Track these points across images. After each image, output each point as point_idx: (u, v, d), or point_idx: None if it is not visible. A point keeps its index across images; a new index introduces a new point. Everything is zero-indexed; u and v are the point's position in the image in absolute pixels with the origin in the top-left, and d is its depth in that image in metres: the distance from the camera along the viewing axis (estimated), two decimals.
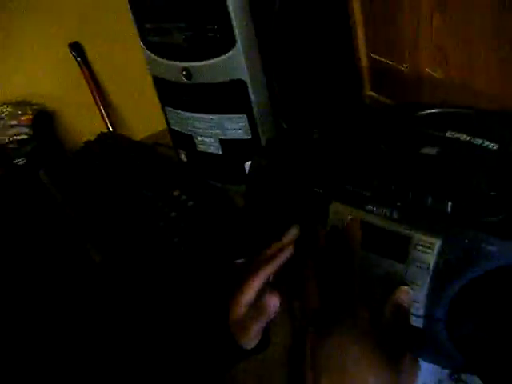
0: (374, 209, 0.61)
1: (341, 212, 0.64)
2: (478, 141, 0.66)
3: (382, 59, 0.95)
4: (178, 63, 0.95)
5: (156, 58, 0.98)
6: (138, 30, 0.98)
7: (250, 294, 0.61)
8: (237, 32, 0.88)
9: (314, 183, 0.67)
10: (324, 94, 0.97)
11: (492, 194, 0.57)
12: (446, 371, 0.67)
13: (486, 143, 0.65)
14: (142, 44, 1.00)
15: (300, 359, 0.55)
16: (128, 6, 0.97)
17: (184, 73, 0.94)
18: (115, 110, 1.73)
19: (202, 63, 0.92)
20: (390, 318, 0.57)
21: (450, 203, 0.57)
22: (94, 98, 1.63)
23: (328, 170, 0.69)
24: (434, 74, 0.87)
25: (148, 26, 0.96)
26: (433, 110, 0.76)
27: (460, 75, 0.83)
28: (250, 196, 0.77)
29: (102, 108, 1.63)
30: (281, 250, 0.65)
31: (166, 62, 0.97)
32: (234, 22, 0.87)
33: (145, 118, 1.43)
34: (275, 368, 0.61)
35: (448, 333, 0.60)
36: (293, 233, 0.66)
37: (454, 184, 0.60)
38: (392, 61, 0.94)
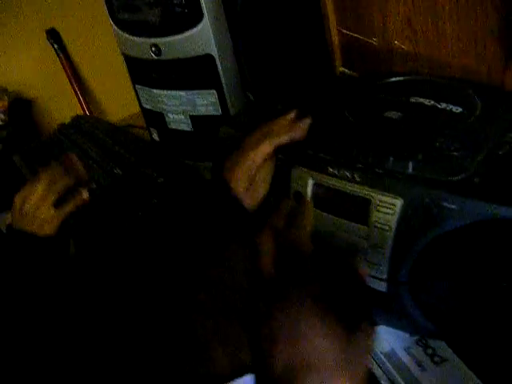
0: (336, 172, 0.61)
1: (303, 177, 0.63)
2: (442, 105, 0.66)
3: (352, 34, 0.95)
4: (147, 39, 0.94)
5: (126, 35, 0.98)
6: (107, 8, 0.98)
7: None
8: (204, 6, 0.87)
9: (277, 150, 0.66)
10: (293, 68, 0.96)
11: (454, 154, 0.57)
12: (414, 338, 0.66)
13: (450, 107, 0.65)
14: (111, 21, 0.98)
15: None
16: None
17: (153, 49, 0.94)
18: (92, 95, 1.73)
19: (171, 38, 0.92)
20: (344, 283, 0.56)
21: (411, 163, 0.57)
22: (71, 84, 1.62)
23: None
24: (402, 46, 0.87)
25: (117, 3, 0.95)
26: (397, 78, 0.75)
27: (427, 47, 0.83)
28: (217, 164, 0.77)
29: (79, 94, 1.62)
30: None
31: (135, 38, 0.97)
32: None
33: (120, 102, 1.42)
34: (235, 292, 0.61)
35: (411, 296, 0.59)
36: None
37: (415, 145, 0.59)
38: (362, 35, 0.93)
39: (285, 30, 0.97)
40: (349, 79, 0.91)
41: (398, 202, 0.57)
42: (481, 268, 0.55)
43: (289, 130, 0.66)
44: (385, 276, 0.60)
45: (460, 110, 0.64)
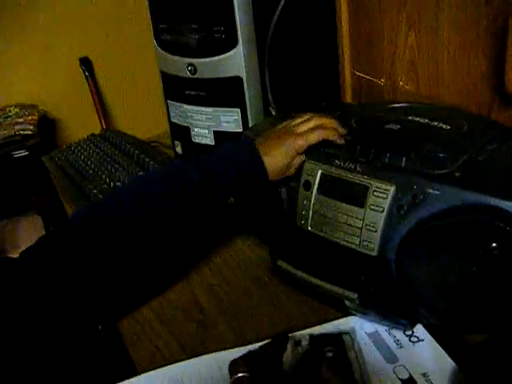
0: (341, 164, 0.73)
1: (313, 168, 0.75)
2: (435, 123, 0.78)
3: (363, 75, 1.09)
4: (185, 59, 1.08)
5: (166, 54, 1.11)
6: (154, 30, 1.12)
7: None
8: (240, 33, 1.01)
9: None
10: (310, 91, 1.10)
11: (440, 155, 0.69)
12: None
13: (441, 125, 0.78)
14: (155, 42, 1.12)
15: None
16: (147, 12, 1.13)
17: (189, 68, 1.07)
18: (115, 121, 1.85)
19: (206, 60, 1.05)
20: None
21: (404, 158, 0.69)
22: (96, 108, 1.75)
23: None
24: (406, 87, 1.00)
25: (163, 26, 1.09)
26: (399, 104, 0.88)
27: (427, 87, 0.96)
28: None
29: (101, 117, 1.74)
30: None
31: (175, 58, 1.10)
32: (238, 25, 1.00)
33: (142, 125, 1.55)
34: None
35: (397, 273, 0.70)
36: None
37: (409, 146, 0.72)
38: (372, 76, 1.07)
39: (306, 60, 1.11)
40: (357, 104, 1.03)
41: (391, 188, 0.68)
42: (457, 252, 0.64)
43: (336, 130, 0.77)
44: (375, 253, 0.70)
45: (449, 127, 0.77)
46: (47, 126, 1.83)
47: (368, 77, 1.07)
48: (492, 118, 0.85)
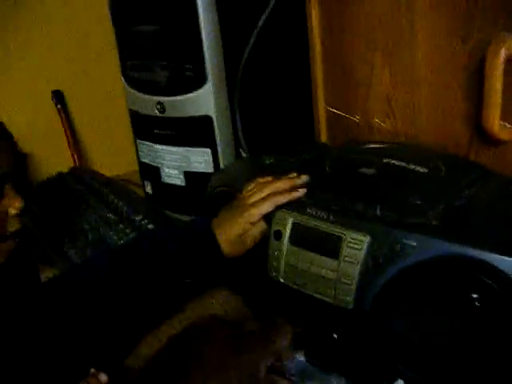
0: (314, 212, 0.69)
1: (284, 217, 0.71)
2: (411, 166, 0.75)
3: (338, 111, 1.06)
4: (154, 97, 1.04)
5: (135, 92, 1.08)
6: (121, 66, 1.08)
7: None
8: (209, 71, 0.97)
9: None
10: (282, 131, 1.06)
11: (417, 202, 0.65)
12: None
13: (418, 168, 0.74)
14: (123, 79, 1.09)
15: None
16: (116, 49, 1.09)
17: (158, 106, 1.04)
18: (87, 154, 1.81)
19: (175, 98, 1.02)
20: None
21: (379, 206, 0.65)
22: (69, 142, 1.71)
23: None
24: (383, 124, 0.97)
25: (131, 62, 1.06)
26: (374, 145, 0.85)
27: (404, 124, 0.93)
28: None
29: (74, 152, 1.70)
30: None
31: (143, 96, 1.07)
32: (207, 63, 0.98)
33: (114, 161, 1.51)
34: None
35: (374, 327, 0.66)
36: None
37: (384, 193, 0.68)
38: (346, 113, 1.04)
39: (278, 98, 1.07)
40: (331, 145, 1.00)
41: (366, 239, 0.64)
42: (436, 305, 0.61)
43: (292, 191, 0.74)
44: (351, 307, 0.66)
45: (426, 170, 0.73)
46: (17, 159, 1.77)
47: (343, 113, 1.04)
48: (471, 158, 0.82)
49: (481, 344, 0.59)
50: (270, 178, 0.79)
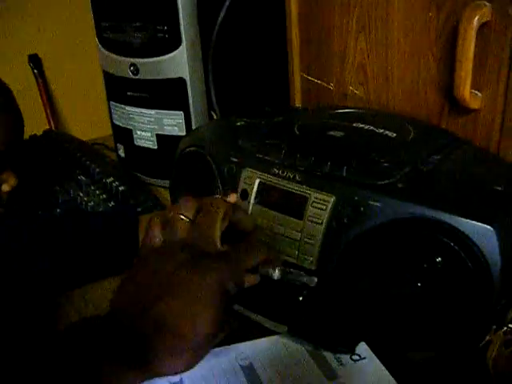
0: (280, 172, 0.69)
1: (250, 176, 0.71)
2: (380, 130, 0.75)
3: (313, 79, 1.05)
4: (127, 59, 1.03)
5: (109, 53, 1.06)
6: (96, 28, 1.07)
7: None
8: (183, 33, 0.96)
9: (231, 154, 0.74)
10: (255, 94, 1.05)
11: (384, 164, 0.65)
12: None
13: (386, 132, 0.74)
14: (97, 41, 1.07)
15: None
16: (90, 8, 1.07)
17: (132, 68, 1.02)
18: (64, 121, 1.79)
19: (149, 60, 1.00)
20: None
21: (345, 167, 0.65)
22: (45, 108, 1.69)
23: (244, 145, 0.76)
24: (356, 92, 0.97)
25: (105, 24, 1.04)
26: (344, 110, 0.85)
27: (376, 92, 0.93)
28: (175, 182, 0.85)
29: (49, 116, 1.68)
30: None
31: (117, 57, 1.05)
32: (182, 25, 0.96)
33: (89, 125, 1.50)
34: None
35: (336, 288, 0.66)
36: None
37: (352, 155, 0.68)
38: (321, 80, 1.03)
39: (253, 62, 1.07)
40: (303, 109, 1.00)
41: (331, 199, 0.64)
42: (399, 267, 0.61)
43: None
44: (314, 267, 0.66)
45: (394, 135, 0.73)
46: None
47: (317, 81, 1.03)
48: (442, 126, 0.82)
49: (441, 305, 0.60)
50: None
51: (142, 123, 1.07)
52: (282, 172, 0.68)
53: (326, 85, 1.02)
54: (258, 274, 0.63)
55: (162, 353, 0.50)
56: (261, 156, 0.72)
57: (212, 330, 0.53)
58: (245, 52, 1.06)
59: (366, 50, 0.92)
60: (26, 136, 1.39)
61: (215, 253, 0.57)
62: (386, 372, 0.64)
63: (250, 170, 0.72)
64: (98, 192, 1.01)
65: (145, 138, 1.08)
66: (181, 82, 0.99)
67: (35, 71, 1.73)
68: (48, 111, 1.70)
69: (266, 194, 0.70)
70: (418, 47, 0.83)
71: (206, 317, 0.53)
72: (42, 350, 0.50)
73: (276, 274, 0.63)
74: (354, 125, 0.76)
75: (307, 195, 0.66)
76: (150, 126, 1.06)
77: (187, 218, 0.59)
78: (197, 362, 0.54)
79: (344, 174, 0.65)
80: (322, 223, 0.64)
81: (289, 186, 0.68)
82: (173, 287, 0.53)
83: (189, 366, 0.53)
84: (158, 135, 1.07)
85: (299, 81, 1.07)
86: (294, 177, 0.67)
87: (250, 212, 0.71)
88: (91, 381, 0.47)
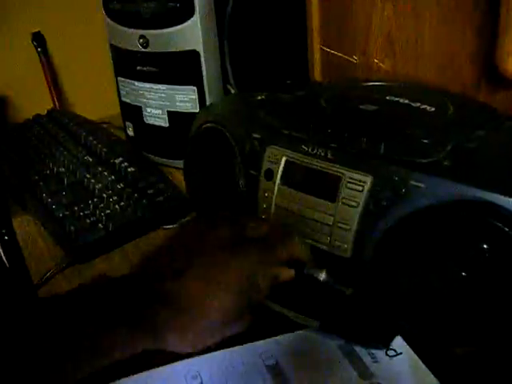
0: (309, 150, 0.62)
1: (276, 155, 0.64)
2: (417, 104, 0.68)
3: (334, 52, 0.98)
4: (136, 31, 0.96)
5: (116, 25, 0.99)
6: None
7: None
8: (196, 2, 0.89)
9: (253, 130, 0.67)
10: (274, 68, 0.99)
11: (424, 141, 0.59)
12: None
13: (424, 106, 0.67)
14: (104, 12, 1.00)
15: None
16: None
17: (141, 41, 0.96)
18: (69, 100, 1.73)
19: (160, 31, 0.94)
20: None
21: (383, 145, 0.58)
22: (49, 85, 1.63)
23: (267, 120, 0.69)
24: (382, 65, 0.90)
25: None
26: (374, 83, 0.78)
27: (405, 65, 0.86)
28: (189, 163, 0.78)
29: (54, 95, 1.62)
30: None
31: (125, 29, 0.99)
32: None
33: (95, 104, 1.44)
34: None
35: (373, 277, 0.60)
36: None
37: (389, 130, 0.61)
38: (343, 53, 0.97)
39: (270, 34, 1.00)
40: (327, 82, 0.93)
41: (368, 180, 0.58)
42: (443, 255, 0.55)
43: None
44: (348, 255, 0.60)
45: (433, 109, 0.67)
46: None
47: (339, 54, 0.97)
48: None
49: (487, 296, 0.54)
50: None
51: (153, 100, 1.01)
52: (312, 149, 0.62)
53: (348, 58, 0.95)
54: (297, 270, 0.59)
55: (169, 328, 0.50)
56: (287, 132, 0.65)
57: (226, 318, 0.53)
58: (263, 22, 0.99)
59: (394, 20, 0.85)
60: (30, 116, 1.33)
61: (256, 237, 0.56)
62: (426, 369, 0.59)
63: (274, 147, 0.65)
64: (106, 173, 0.94)
65: (155, 116, 1.02)
66: (194, 54, 0.93)
67: (39, 49, 1.66)
68: (52, 90, 1.63)
69: (294, 174, 0.64)
70: (452, 14, 0.78)
71: (223, 303, 0.52)
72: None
73: (323, 276, 0.61)
74: (387, 98, 0.70)
75: (340, 175, 0.60)
76: (161, 102, 1.00)
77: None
78: (204, 345, 0.54)
79: (381, 152, 0.59)
80: (357, 206, 0.58)
81: (319, 164, 0.61)
82: (199, 264, 0.53)
83: (195, 347, 0.53)
84: (169, 112, 1.01)
85: (319, 54, 1.01)
86: (326, 154, 0.61)
87: (275, 193, 0.64)
88: (104, 342, 0.48)
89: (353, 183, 0.59)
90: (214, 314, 0.52)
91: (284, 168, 0.64)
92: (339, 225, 0.60)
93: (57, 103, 1.65)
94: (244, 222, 0.60)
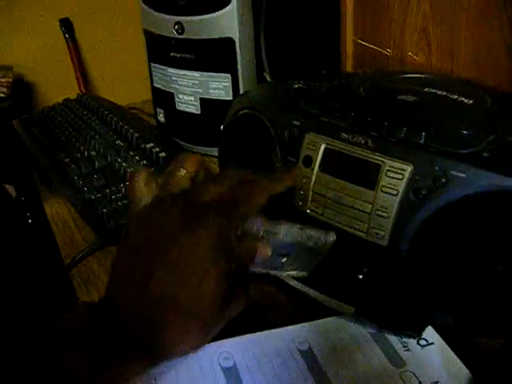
0: (349, 137, 0.63)
1: (315, 142, 0.65)
2: (454, 96, 0.68)
3: (367, 44, 0.99)
4: (172, 17, 0.97)
5: (151, 11, 1.00)
6: None
7: None
8: None
9: (292, 117, 0.68)
10: (305, 60, 0.99)
11: (464, 132, 0.59)
12: None
13: (462, 98, 0.68)
14: None
15: None
16: None
17: (176, 27, 0.96)
18: (96, 86, 1.74)
19: (196, 18, 0.94)
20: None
21: (423, 134, 0.59)
22: (77, 73, 1.64)
23: (306, 107, 0.70)
24: (416, 58, 0.90)
25: None
26: (411, 75, 0.78)
27: (440, 58, 0.86)
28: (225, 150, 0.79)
29: (80, 82, 1.63)
30: None
31: (160, 15, 0.99)
32: None
33: (122, 92, 1.45)
34: None
35: (409, 266, 0.60)
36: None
37: (428, 121, 0.62)
38: (376, 46, 0.97)
39: (304, 25, 1.00)
40: (362, 73, 0.93)
41: (408, 168, 0.58)
42: (481, 247, 0.56)
43: None
44: (386, 243, 0.60)
45: (471, 101, 0.67)
46: (23, 89, 1.71)
47: (373, 46, 0.97)
48: None
49: None
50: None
51: (186, 86, 1.02)
52: (352, 137, 0.63)
53: (381, 50, 0.95)
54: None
55: (166, 332, 0.47)
56: (326, 119, 0.66)
57: (217, 300, 0.49)
58: (298, 12, 1.00)
59: (430, 13, 0.85)
60: (60, 99, 1.35)
61: (211, 200, 0.51)
62: (457, 359, 0.59)
63: (314, 134, 0.66)
64: (137, 158, 0.95)
65: (187, 102, 1.02)
66: (229, 42, 0.93)
67: (66, 35, 1.67)
68: (79, 75, 1.65)
69: (333, 161, 0.65)
70: (491, 9, 0.78)
71: (207, 284, 0.48)
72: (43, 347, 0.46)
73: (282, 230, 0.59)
74: (426, 90, 0.70)
75: (381, 163, 0.60)
76: (194, 89, 1.01)
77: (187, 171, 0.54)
78: (206, 341, 0.51)
79: (422, 141, 0.59)
80: (397, 194, 0.59)
81: (359, 152, 0.62)
82: (164, 250, 0.48)
83: (197, 346, 0.50)
84: (201, 99, 1.01)
85: (352, 46, 1.01)
86: (366, 142, 0.62)
87: (313, 180, 0.65)
88: (104, 373, 0.44)
89: (393, 171, 0.59)
90: (204, 300, 0.49)
91: (323, 155, 0.65)
92: (378, 212, 0.60)
93: (83, 88, 1.66)
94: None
